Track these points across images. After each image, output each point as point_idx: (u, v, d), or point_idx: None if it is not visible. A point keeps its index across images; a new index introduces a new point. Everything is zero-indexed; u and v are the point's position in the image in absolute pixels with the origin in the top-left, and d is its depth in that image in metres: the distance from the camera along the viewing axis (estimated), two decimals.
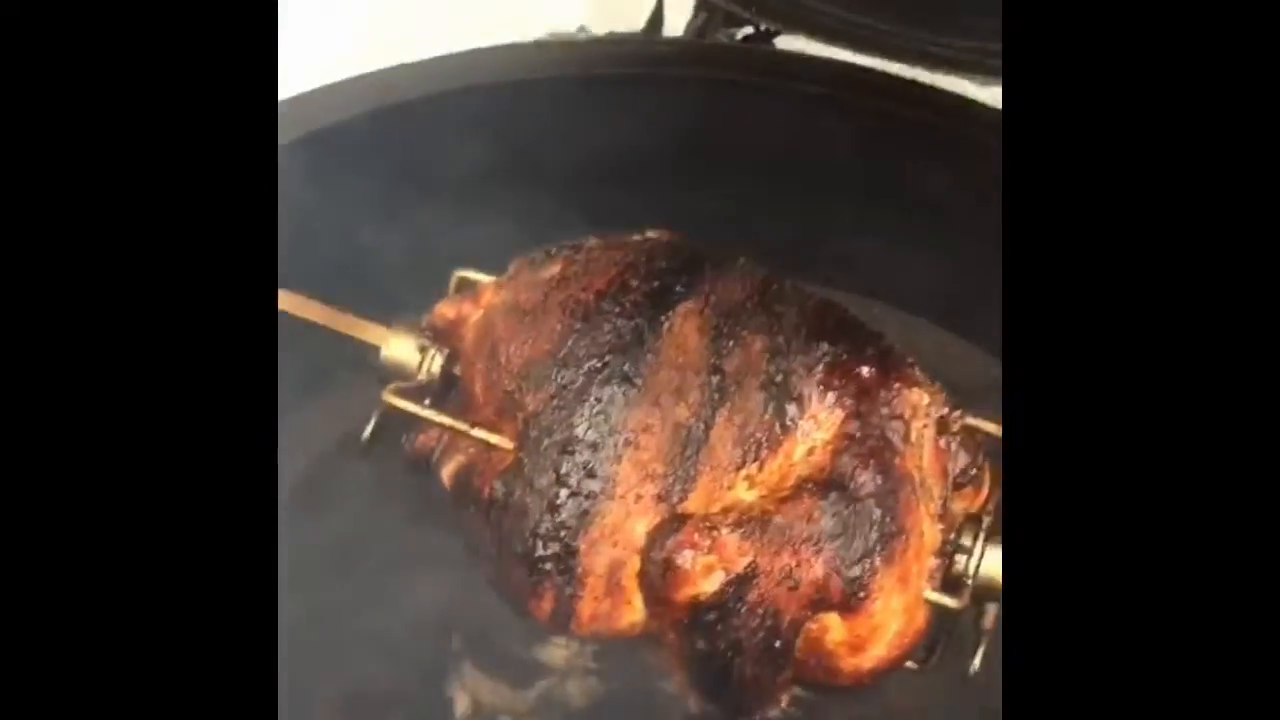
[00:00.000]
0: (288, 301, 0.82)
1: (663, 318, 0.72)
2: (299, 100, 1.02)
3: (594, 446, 0.70)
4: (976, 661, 0.71)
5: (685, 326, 0.72)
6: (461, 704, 0.99)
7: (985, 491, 0.74)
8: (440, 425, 0.75)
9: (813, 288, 0.78)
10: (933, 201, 1.08)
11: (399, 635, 0.97)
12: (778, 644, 0.68)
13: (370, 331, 0.82)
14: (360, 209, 0.95)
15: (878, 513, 0.68)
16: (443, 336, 0.80)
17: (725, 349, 0.72)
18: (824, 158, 1.15)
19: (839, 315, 0.76)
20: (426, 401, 0.79)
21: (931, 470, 0.72)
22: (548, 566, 0.69)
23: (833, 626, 0.69)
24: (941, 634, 0.73)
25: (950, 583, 0.71)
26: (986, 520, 0.72)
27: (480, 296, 0.79)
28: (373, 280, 0.90)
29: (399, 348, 0.81)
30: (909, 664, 0.72)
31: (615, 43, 1.14)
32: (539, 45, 1.09)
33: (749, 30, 1.17)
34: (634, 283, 0.74)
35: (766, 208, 1.14)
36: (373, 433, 0.79)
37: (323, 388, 0.99)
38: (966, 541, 0.72)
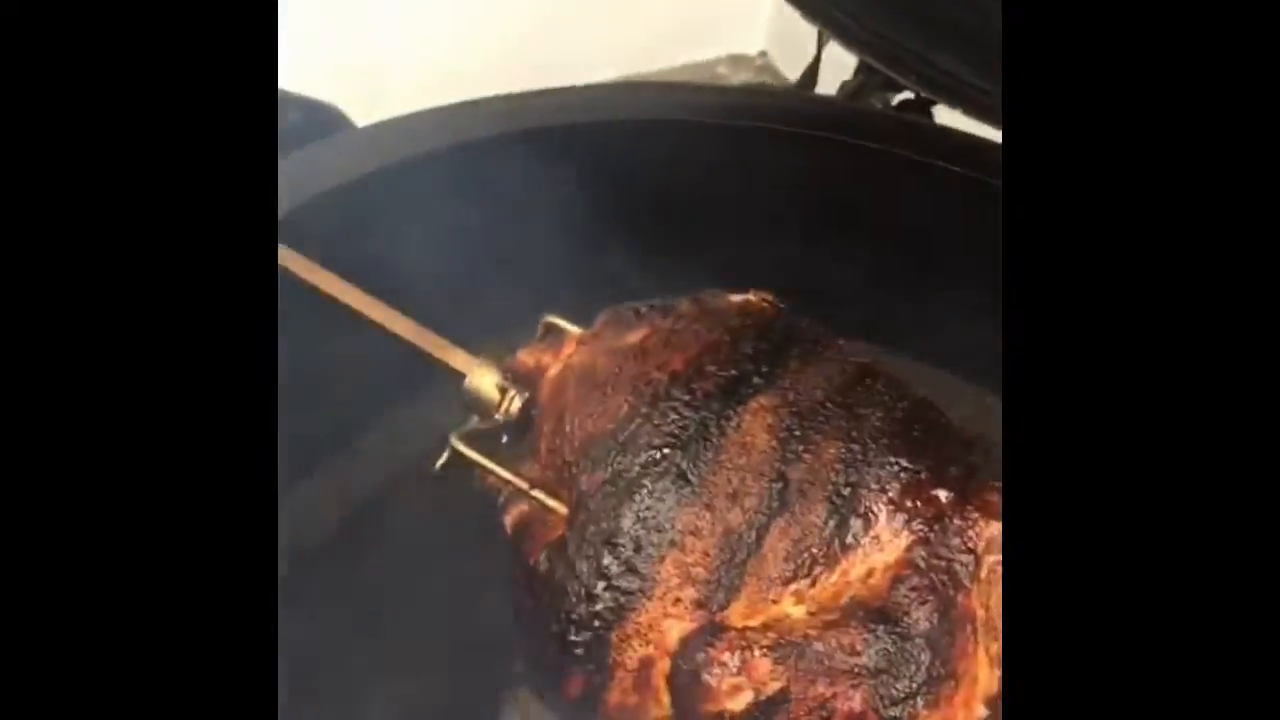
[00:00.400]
0: (379, 313, 0.82)
1: (732, 412, 0.69)
2: (437, 112, 1.02)
3: (637, 543, 0.67)
4: None
5: (754, 425, 0.69)
6: None
7: None
8: (501, 479, 0.74)
9: (927, 369, 0.74)
10: None
11: (460, 654, 0.97)
12: None
13: (456, 358, 0.81)
14: (471, 234, 0.95)
15: (927, 655, 0.64)
16: (523, 380, 0.79)
17: (793, 454, 0.68)
18: (963, 240, 1.10)
19: (930, 422, 0.71)
20: (504, 439, 0.78)
21: (999, 611, 0.67)
22: (579, 652, 0.68)
23: None
24: None
25: None
26: None
27: (562, 349, 0.77)
28: (468, 306, 0.89)
29: (482, 381, 0.80)
30: None
31: (765, 94, 1.12)
32: (673, 87, 1.07)
33: (905, 96, 1.13)
34: (710, 368, 0.70)
35: (896, 281, 1.10)
36: (445, 464, 0.78)
37: (411, 399, 0.99)
38: None
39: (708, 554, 0.67)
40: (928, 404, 0.73)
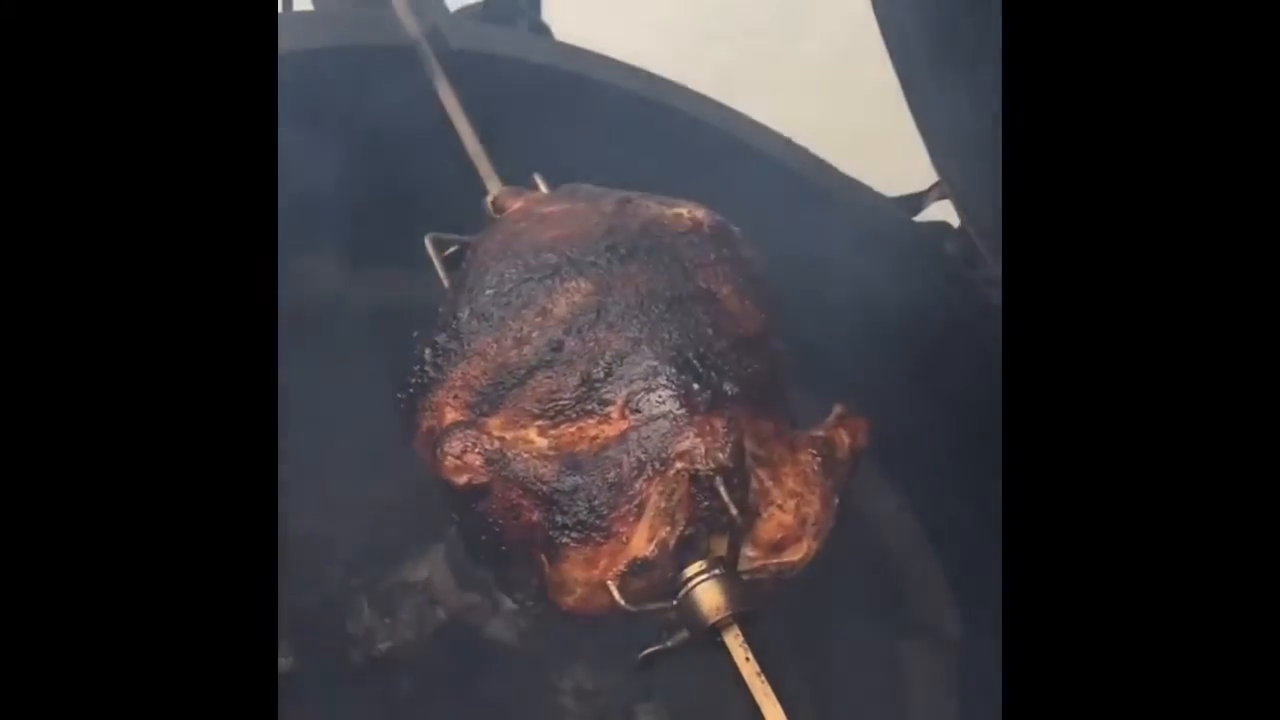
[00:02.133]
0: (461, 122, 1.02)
1: (553, 282, 0.91)
2: None
3: (447, 347, 0.90)
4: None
5: (562, 298, 0.90)
6: None
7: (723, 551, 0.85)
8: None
9: None
10: None
11: None
12: (502, 548, 0.87)
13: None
14: None
15: (592, 505, 0.84)
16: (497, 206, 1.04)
17: (578, 331, 0.89)
18: None
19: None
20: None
21: (676, 504, 0.84)
22: (403, 407, 0.93)
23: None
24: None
25: (635, 592, 0.83)
26: (700, 567, 0.83)
27: (521, 198, 1.05)
28: None
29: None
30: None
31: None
32: None
33: None
34: (565, 248, 0.92)
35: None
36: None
37: None
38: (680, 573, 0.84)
39: (485, 373, 0.89)
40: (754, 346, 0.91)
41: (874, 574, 1.36)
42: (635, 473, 0.84)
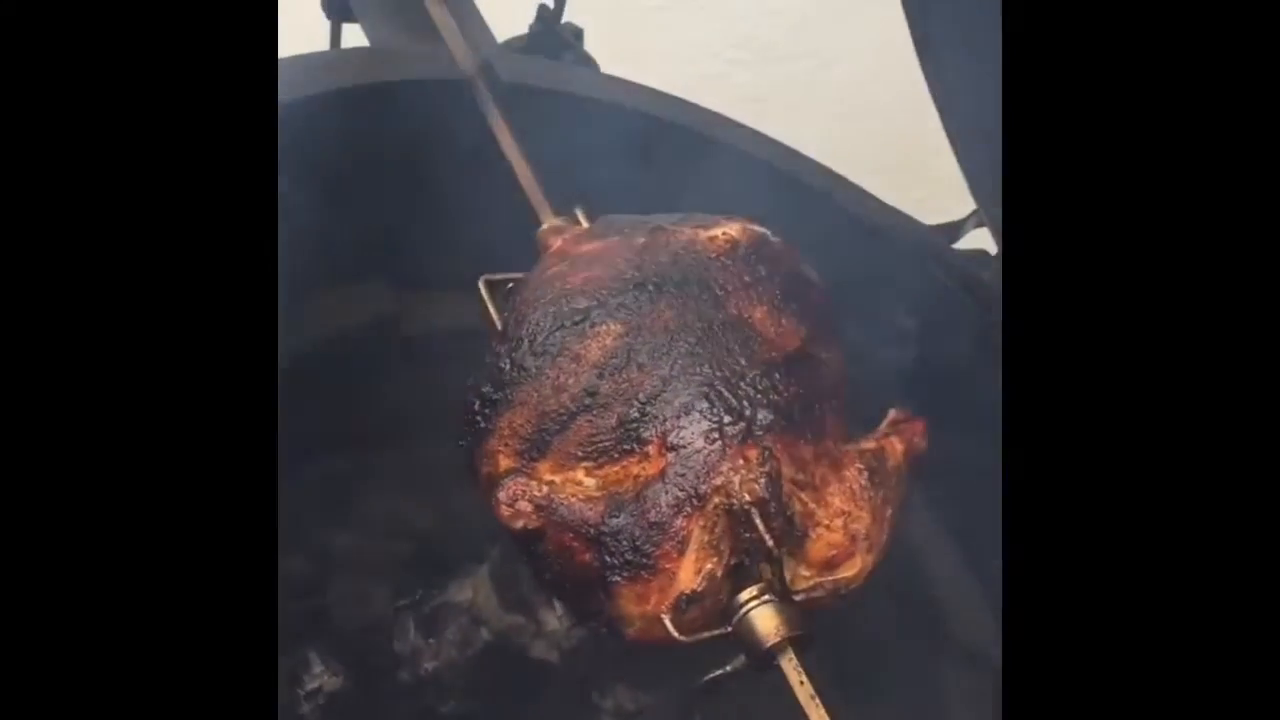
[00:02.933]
0: (514, 153, 1.02)
1: (587, 328, 0.92)
2: None
3: (493, 396, 0.93)
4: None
5: (594, 344, 0.92)
6: None
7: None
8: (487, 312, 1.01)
9: None
10: None
11: None
12: (566, 585, 0.89)
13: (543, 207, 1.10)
14: None
15: (635, 544, 0.86)
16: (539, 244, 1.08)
17: (610, 374, 0.90)
18: None
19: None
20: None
21: (719, 536, 0.86)
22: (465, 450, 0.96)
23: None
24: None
25: (689, 621, 0.85)
26: (753, 592, 0.85)
27: (563, 236, 1.06)
28: None
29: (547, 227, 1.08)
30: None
31: None
32: None
33: None
34: (597, 289, 0.95)
35: None
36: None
37: None
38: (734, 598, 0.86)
39: (529, 421, 0.92)
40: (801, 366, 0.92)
41: (915, 598, 1.37)
42: (674, 510, 0.86)
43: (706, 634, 0.86)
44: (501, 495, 0.89)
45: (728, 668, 0.86)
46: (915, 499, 1.32)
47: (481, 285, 1.02)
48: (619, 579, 0.86)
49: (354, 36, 1.37)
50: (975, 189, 1.32)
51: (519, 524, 0.88)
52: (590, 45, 1.42)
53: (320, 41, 1.37)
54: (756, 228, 1.00)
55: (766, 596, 0.86)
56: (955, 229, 1.44)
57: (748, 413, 0.89)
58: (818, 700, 0.84)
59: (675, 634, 0.85)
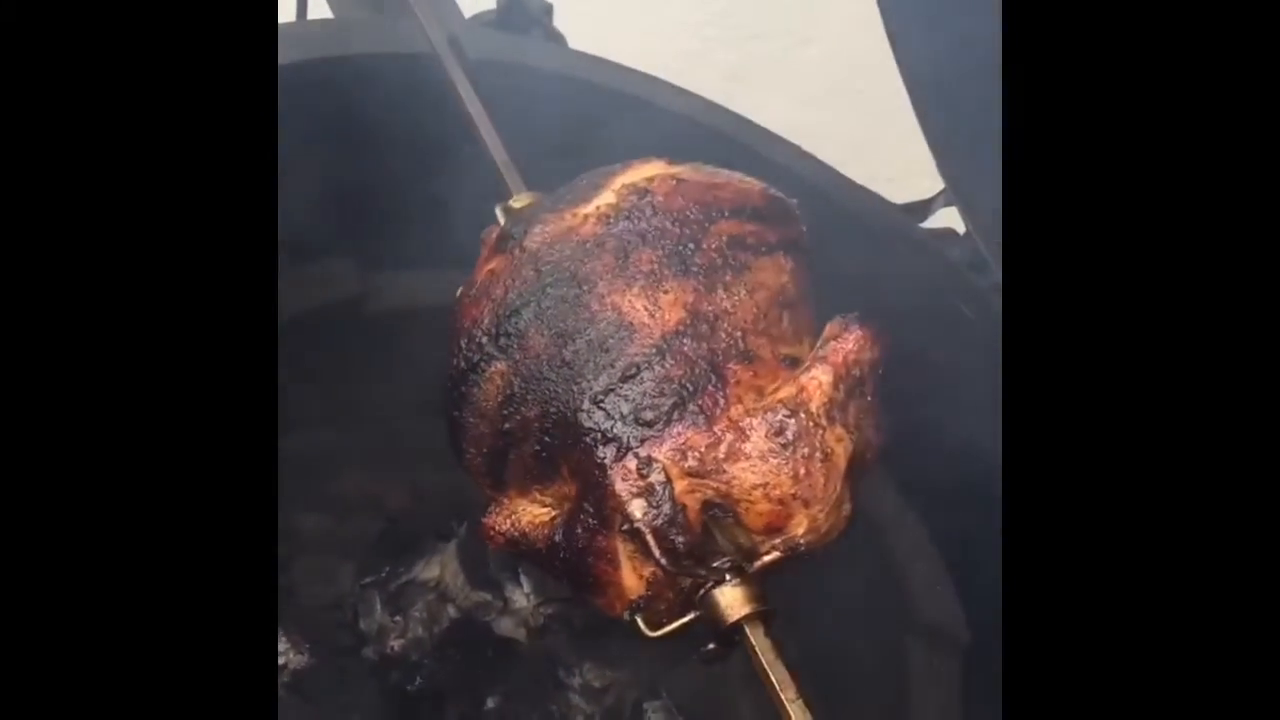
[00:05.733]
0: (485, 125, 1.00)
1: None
2: None
3: (454, 434, 0.94)
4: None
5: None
6: None
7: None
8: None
9: None
10: None
11: None
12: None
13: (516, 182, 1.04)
14: None
15: (574, 569, 0.87)
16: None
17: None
18: None
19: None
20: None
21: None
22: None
23: None
24: None
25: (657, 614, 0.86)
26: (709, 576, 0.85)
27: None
28: None
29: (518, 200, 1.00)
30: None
31: None
32: None
33: None
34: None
35: None
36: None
37: None
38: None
39: (481, 455, 0.94)
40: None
41: (880, 576, 1.38)
42: (593, 533, 0.86)
43: (677, 624, 0.86)
44: (484, 526, 0.92)
45: (706, 648, 0.87)
46: (879, 475, 1.33)
47: None
48: (583, 594, 0.89)
49: (319, 9, 1.36)
50: (943, 168, 1.32)
51: (507, 549, 0.92)
52: (562, 22, 1.42)
53: (287, 12, 1.35)
54: (650, 170, 0.96)
55: (726, 577, 0.85)
56: (924, 208, 1.44)
57: (615, 429, 0.86)
58: (780, 665, 0.83)
59: (647, 632, 0.86)
